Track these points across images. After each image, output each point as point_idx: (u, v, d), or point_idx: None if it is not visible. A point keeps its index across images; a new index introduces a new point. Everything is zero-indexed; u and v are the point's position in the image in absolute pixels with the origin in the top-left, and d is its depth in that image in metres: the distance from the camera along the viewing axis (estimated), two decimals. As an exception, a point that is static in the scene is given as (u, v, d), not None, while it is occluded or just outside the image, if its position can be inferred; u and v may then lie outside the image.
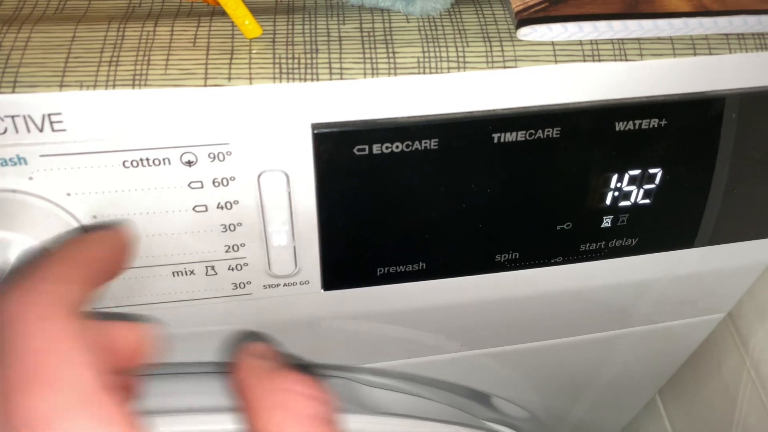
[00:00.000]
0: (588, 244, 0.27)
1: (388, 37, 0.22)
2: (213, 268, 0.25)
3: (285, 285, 0.26)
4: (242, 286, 0.26)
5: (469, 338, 0.32)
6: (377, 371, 0.33)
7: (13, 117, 0.20)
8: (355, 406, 0.31)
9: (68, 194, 0.22)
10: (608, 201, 0.26)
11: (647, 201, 0.26)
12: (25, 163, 0.21)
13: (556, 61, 0.22)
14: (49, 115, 0.20)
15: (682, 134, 0.24)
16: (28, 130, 0.20)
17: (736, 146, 0.25)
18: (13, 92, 0.20)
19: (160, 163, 0.21)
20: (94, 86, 0.20)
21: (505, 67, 0.21)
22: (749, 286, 0.33)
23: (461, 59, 0.21)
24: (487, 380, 0.36)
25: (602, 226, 0.27)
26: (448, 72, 0.21)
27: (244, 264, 0.25)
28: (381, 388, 0.34)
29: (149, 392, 0.30)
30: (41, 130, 0.20)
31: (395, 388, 0.35)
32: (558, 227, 0.26)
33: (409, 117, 0.22)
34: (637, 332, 0.34)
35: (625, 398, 0.42)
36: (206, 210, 0.23)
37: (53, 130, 0.20)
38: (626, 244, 0.27)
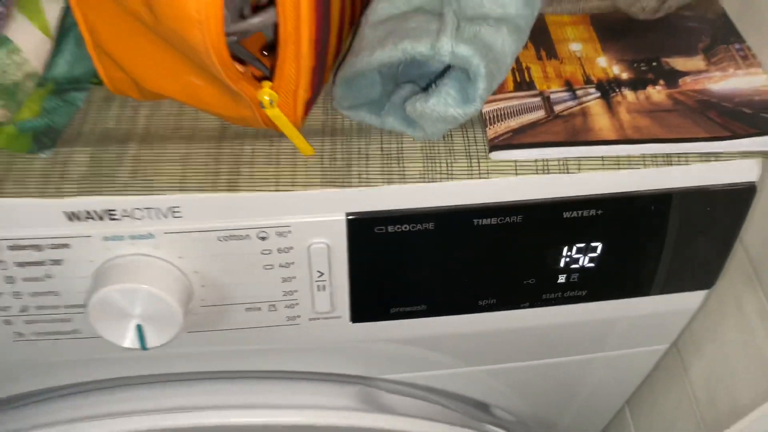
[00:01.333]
0: (548, 294, 0.36)
1: (401, 155, 0.31)
2: (274, 306, 0.35)
3: (324, 318, 0.36)
4: (294, 319, 0.35)
5: (460, 359, 0.41)
6: (391, 381, 0.42)
7: (148, 209, 0.30)
8: (372, 407, 0.41)
9: (180, 257, 0.32)
10: (561, 264, 0.35)
11: (592, 264, 0.35)
12: (153, 237, 0.31)
13: (516, 174, 0.31)
14: (171, 208, 0.30)
15: (614, 220, 0.33)
16: (158, 218, 0.30)
17: (652, 227, 0.34)
18: (150, 194, 0.30)
19: (243, 238, 0.31)
20: (203, 190, 0.30)
21: (480, 177, 0.31)
22: (686, 323, 0.42)
23: (450, 172, 0.31)
24: (482, 391, 0.45)
25: (558, 281, 0.36)
26: (441, 181, 0.31)
27: (295, 304, 0.34)
28: (395, 393, 0.44)
29: (219, 390, 0.40)
30: (166, 217, 0.30)
31: (406, 392, 0.44)
32: (524, 282, 0.35)
33: (413, 208, 0.32)
34: (596, 358, 0.43)
35: (596, 407, 0.51)
36: (272, 268, 0.33)
37: (173, 217, 0.30)
38: (578, 294, 0.36)
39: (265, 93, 0.27)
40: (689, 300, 0.39)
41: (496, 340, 0.40)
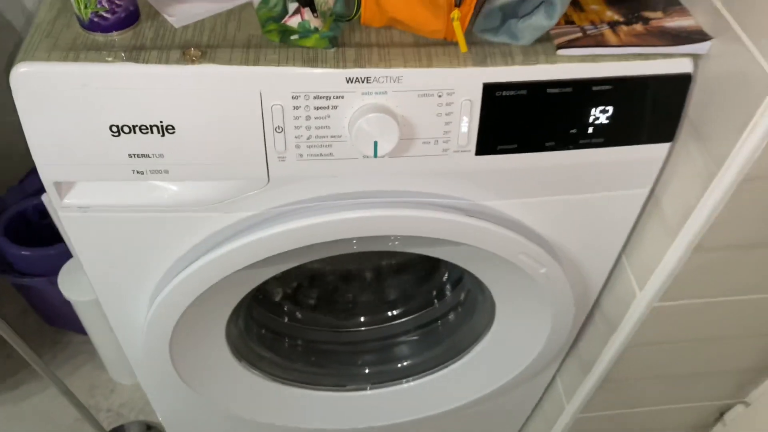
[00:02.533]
0: (582, 140, 0.65)
1: (510, 53, 0.60)
2: (437, 141, 0.63)
3: (461, 151, 0.64)
4: (445, 150, 0.64)
5: (526, 189, 0.70)
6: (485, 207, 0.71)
7: (385, 77, 0.59)
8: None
9: (397, 105, 0.60)
10: (590, 119, 0.64)
11: (607, 121, 0.64)
12: (386, 93, 0.59)
13: (570, 61, 0.60)
14: (398, 77, 0.59)
15: (619, 92, 0.63)
16: (390, 82, 0.59)
17: (637, 97, 0.64)
18: (388, 68, 0.58)
19: (429, 95, 0.60)
20: (413, 67, 0.59)
21: (550, 63, 0.60)
22: (659, 170, 0.71)
23: (536, 60, 0.60)
24: (536, 222, 0.74)
25: (588, 132, 0.65)
26: (531, 65, 0.60)
27: (448, 140, 0.63)
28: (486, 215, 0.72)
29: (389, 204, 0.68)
30: (394, 82, 0.59)
31: (495, 217, 0.72)
32: (569, 131, 0.65)
33: (517, 81, 0.61)
34: (603, 195, 0.72)
35: (603, 241, 0.79)
36: (441, 115, 0.61)
37: (398, 82, 0.59)
38: (598, 141, 0.66)
39: (456, 14, 0.57)
40: (659, 149, 0.68)
41: (549, 174, 0.69)
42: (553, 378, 1.07)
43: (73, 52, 0.57)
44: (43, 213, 1.35)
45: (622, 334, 0.85)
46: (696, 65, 0.63)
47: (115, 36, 0.59)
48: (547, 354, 0.90)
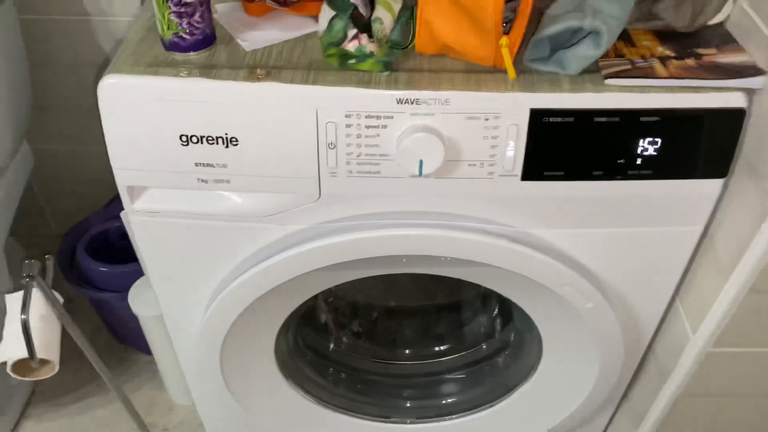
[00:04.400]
0: (631, 171, 0.65)
1: (559, 81, 0.62)
2: (482, 164, 0.65)
3: (506, 175, 0.66)
4: (491, 174, 0.66)
5: (573, 219, 0.70)
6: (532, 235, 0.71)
7: (434, 99, 0.62)
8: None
9: (443, 127, 0.63)
10: (638, 150, 0.64)
11: (655, 153, 0.65)
12: (434, 115, 0.62)
13: (617, 92, 0.62)
14: (446, 99, 0.62)
15: (668, 124, 0.63)
16: (438, 104, 0.62)
17: (690, 130, 0.63)
18: (436, 91, 0.61)
19: (476, 118, 0.62)
20: (463, 90, 0.61)
21: (598, 92, 0.61)
22: (712, 208, 0.70)
23: (583, 89, 0.62)
24: (586, 254, 0.73)
25: (636, 162, 0.65)
26: (578, 93, 0.61)
27: (494, 163, 0.65)
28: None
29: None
30: (442, 104, 0.62)
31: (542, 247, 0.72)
32: (617, 161, 0.65)
33: (565, 108, 0.62)
34: (655, 230, 0.71)
35: (658, 278, 0.77)
36: (487, 138, 0.63)
37: (446, 104, 0.62)
38: (647, 172, 0.65)
39: (504, 41, 0.59)
40: (712, 185, 0.67)
41: (597, 205, 0.69)
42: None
43: (153, 68, 0.63)
44: (123, 235, 1.45)
45: (675, 382, 0.81)
46: (750, 100, 0.63)
47: (192, 56, 0.65)
48: (596, 398, 0.87)
